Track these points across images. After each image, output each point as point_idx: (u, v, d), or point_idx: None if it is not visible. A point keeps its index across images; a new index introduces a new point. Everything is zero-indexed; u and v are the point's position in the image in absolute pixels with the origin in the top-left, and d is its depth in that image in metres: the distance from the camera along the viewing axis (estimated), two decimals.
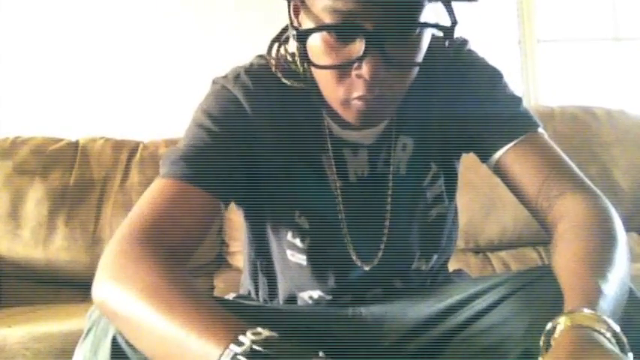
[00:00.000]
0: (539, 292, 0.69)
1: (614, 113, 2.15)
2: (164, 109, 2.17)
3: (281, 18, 0.81)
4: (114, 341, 0.61)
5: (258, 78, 0.80)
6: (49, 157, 1.92)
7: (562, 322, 0.57)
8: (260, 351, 0.51)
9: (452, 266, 0.99)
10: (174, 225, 0.70)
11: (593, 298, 0.59)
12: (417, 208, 0.85)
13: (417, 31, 0.68)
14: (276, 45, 0.80)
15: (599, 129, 2.08)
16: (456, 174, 0.90)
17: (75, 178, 1.91)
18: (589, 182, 0.78)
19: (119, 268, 0.63)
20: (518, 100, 0.84)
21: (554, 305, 0.61)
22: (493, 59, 0.88)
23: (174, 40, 2.26)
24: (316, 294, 0.85)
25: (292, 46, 0.78)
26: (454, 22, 0.68)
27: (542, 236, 2.05)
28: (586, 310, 0.57)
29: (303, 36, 0.68)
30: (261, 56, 0.83)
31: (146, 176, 1.92)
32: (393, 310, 0.81)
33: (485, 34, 2.16)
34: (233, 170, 0.76)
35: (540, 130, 0.82)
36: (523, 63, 2.53)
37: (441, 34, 0.69)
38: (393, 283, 0.86)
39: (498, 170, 0.82)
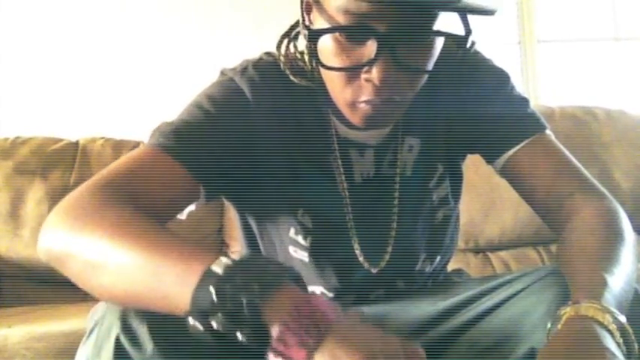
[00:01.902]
0: (545, 291, 0.69)
1: (614, 113, 2.14)
2: (164, 109, 2.16)
3: (281, 18, 0.80)
4: (117, 341, 0.60)
5: (265, 74, 0.79)
6: (49, 157, 1.92)
7: (567, 312, 0.57)
8: (243, 267, 0.51)
9: (452, 266, 0.99)
10: (144, 189, 0.68)
11: (598, 290, 0.59)
12: (423, 209, 0.85)
13: (430, 37, 0.67)
14: (285, 41, 0.78)
15: (599, 129, 2.08)
16: (462, 176, 0.90)
17: (75, 178, 1.91)
18: (597, 184, 0.79)
19: (75, 211, 0.62)
20: (525, 102, 0.84)
21: (560, 304, 0.61)
22: (493, 60, 0.88)
23: (174, 40, 2.26)
24: (318, 290, 0.85)
25: (302, 42, 0.77)
26: (468, 32, 0.67)
27: (542, 236, 2.06)
28: (591, 302, 0.57)
29: (314, 36, 0.67)
30: (268, 53, 0.83)
31: None
32: (395, 310, 0.81)
33: (485, 35, 2.16)
34: (221, 155, 0.74)
35: (548, 131, 0.82)
36: (523, 63, 2.53)
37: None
38: (396, 283, 0.86)
39: (506, 171, 0.82)
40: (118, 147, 1.99)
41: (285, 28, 0.80)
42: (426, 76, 0.72)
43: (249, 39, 2.15)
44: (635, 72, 2.56)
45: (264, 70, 0.79)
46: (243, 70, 0.79)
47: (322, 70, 0.73)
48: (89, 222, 0.60)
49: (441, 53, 0.71)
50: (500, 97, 0.83)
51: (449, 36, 0.67)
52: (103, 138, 2.02)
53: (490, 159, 0.84)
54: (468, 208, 1.88)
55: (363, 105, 0.69)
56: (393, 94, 0.68)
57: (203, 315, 0.50)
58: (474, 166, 0.96)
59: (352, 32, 0.65)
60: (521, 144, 0.80)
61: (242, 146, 0.76)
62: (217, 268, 0.51)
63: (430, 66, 0.69)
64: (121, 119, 2.18)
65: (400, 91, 0.68)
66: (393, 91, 0.67)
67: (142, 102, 2.22)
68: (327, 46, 0.67)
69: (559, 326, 0.57)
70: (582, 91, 2.51)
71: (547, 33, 2.56)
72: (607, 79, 2.55)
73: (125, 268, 0.56)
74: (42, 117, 2.17)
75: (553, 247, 1.94)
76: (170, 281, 0.53)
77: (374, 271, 0.82)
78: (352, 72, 0.67)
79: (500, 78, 0.85)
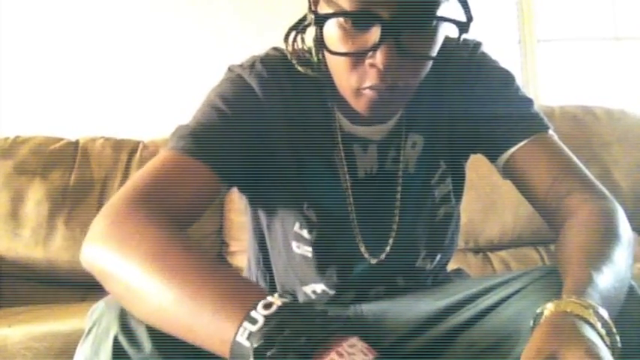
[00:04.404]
0: (543, 290, 0.69)
1: (614, 113, 2.14)
2: (164, 109, 2.17)
3: (281, 20, 0.81)
4: (115, 341, 0.60)
5: (273, 68, 0.81)
6: (49, 157, 1.92)
7: (547, 309, 0.58)
8: (272, 330, 0.50)
9: (452, 266, 0.99)
10: (174, 193, 0.70)
11: (582, 286, 0.59)
12: (424, 205, 0.86)
13: (434, 23, 0.69)
14: (293, 33, 0.80)
15: (600, 129, 2.08)
16: (464, 175, 0.91)
17: (75, 177, 1.91)
18: (598, 183, 0.79)
19: (116, 229, 0.62)
20: (530, 102, 0.85)
21: None
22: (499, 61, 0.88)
23: (174, 40, 2.26)
24: (319, 288, 0.85)
25: (309, 36, 0.80)
26: (469, 18, 0.69)
27: (542, 236, 2.06)
28: (573, 297, 0.57)
29: (320, 20, 0.69)
30: (275, 48, 0.84)
31: None
32: (394, 308, 0.82)
33: (485, 34, 2.16)
34: (239, 153, 0.76)
35: (551, 131, 0.83)
36: (523, 63, 2.53)
37: (455, 31, 0.70)
38: (396, 280, 0.87)
39: (508, 169, 0.83)
40: (118, 147, 1.99)
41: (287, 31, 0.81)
42: (429, 65, 0.74)
43: (251, 41, 2.15)
44: (635, 72, 2.56)
45: (272, 65, 0.81)
46: (251, 66, 0.81)
47: (328, 59, 0.75)
48: (128, 244, 0.61)
49: (447, 53, 0.73)
50: (504, 97, 0.85)
51: (451, 22, 0.69)
52: (102, 138, 2.02)
53: (492, 157, 0.85)
54: (468, 208, 1.88)
55: (367, 91, 0.70)
56: (396, 80, 0.69)
57: None
58: (474, 166, 0.96)
59: (357, 18, 0.67)
60: (523, 142, 0.81)
61: (255, 141, 0.78)
62: (251, 326, 0.51)
63: (433, 53, 0.71)
64: (121, 119, 2.18)
65: (404, 77, 0.70)
66: (396, 76, 0.69)
67: (141, 102, 2.22)
68: (332, 33, 0.69)
69: (540, 322, 0.57)
70: (582, 91, 2.51)
71: (547, 32, 2.56)
72: (607, 79, 2.55)
73: (163, 305, 0.57)
74: (42, 117, 2.17)
75: (553, 247, 1.94)
76: (205, 331, 0.54)
77: (374, 261, 0.83)
78: (357, 58, 0.69)
79: (506, 78, 0.86)
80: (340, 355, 0.49)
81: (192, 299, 0.55)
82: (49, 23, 2.22)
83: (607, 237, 0.69)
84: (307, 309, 0.54)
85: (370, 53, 0.67)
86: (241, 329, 0.51)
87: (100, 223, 0.64)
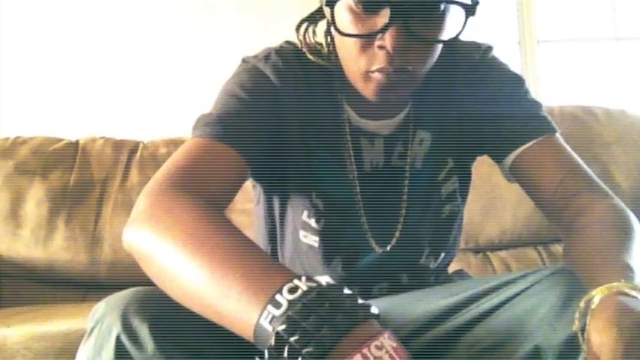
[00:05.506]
0: (549, 290, 0.69)
1: (614, 113, 2.14)
2: (164, 109, 2.17)
3: (281, 20, 0.82)
4: (118, 341, 0.60)
5: (287, 59, 0.83)
6: (49, 157, 1.92)
7: (598, 294, 0.57)
8: (295, 315, 0.49)
9: (452, 266, 0.99)
10: (206, 177, 0.71)
11: (626, 272, 0.60)
12: (431, 201, 0.87)
13: (442, 8, 0.70)
14: (305, 25, 0.83)
15: (600, 129, 2.08)
16: (470, 175, 0.93)
17: (75, 178, 1.91)
18: (604, 185, 0.80)
19: (153, 211, 0.63)
20: (538, 105, 0.87)
21: (565, 302, 0.62)
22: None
23: (174, 41, 2.26)
24: (324, 280, 0.85)
25: (319, 30, 0.82)
26: (476, 2, 0.71)
27: (542, 236, 2.05)
28: (621, 282, 0.57)
29: (332, 2, 0.71)
30: (288, 42, 0.86)
31: (146, 176, 1.91)
32: (397, 307, 0.81)
33: (485, 35, 2.16)
34: (261, 137, 0.78)
35: (558, 134, 0.84)
36: (523, 63, 2.53)
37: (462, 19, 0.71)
38: (400, 277, 0.87)
39: (514, 169, 0.84)
40: (118, 147, 1.99)
41: (290, 29, 0.84)
42: (437, 51, 0.75)
43: (253, 40, 2.15)
44: (635, 72, 2.56)
45: (286, 56, 0.83)
46: (267, 57, 0.83)
47: (338, 44, 0.77)
48: (163, 225, 0.61)
49: (458, 55, 0.76)
50: (513, 98, 0.86)
51: (458, 4, 0.70)
52: (103, 138, 2.02)
53: (499, 158, 0.86)
54: (468, 208, 1.86)
55: (376, 74, 0.72)
56: (404, 63, 0.71)
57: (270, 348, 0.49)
58: (474, 166, 0.96)
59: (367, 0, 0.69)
60: (531, 142, 0.82)
61: (272, 127, 0.80)
62: (275, 310, 0.50)
63: (440, 37, 0.72)
64: (121, 119, 2.18)
65: (412, 61, 0.72)
66: (404, 59, 0.71)
67: (141, 102, 2.22)
68: (343, 16, 0.72)
69: (593, 307, 0.56)
70: (582, 91, 2.51)
71: (547, 33, 2.57)
72: (607, 79, 2.56)
73: (194, 286, 0.56)
74: (42, 117, 2.17)
75: (553, 247, 1.94)
76: (231, 313, 0.53)
77: (379, 251, 0.84)
78: (366, 41, 0.71)
79: (515, 81, 0.88)
80: (365, 357, 0.47)
81: (221, 280, 0.55)
82: (50, 24, 2.22)
83: (627, 232, 0.70)
84: (335, 293, 0.52)
85: (379, 35, 0.69)
86: (265, 312, 0.50)
87: (138, 207, 0.65)
